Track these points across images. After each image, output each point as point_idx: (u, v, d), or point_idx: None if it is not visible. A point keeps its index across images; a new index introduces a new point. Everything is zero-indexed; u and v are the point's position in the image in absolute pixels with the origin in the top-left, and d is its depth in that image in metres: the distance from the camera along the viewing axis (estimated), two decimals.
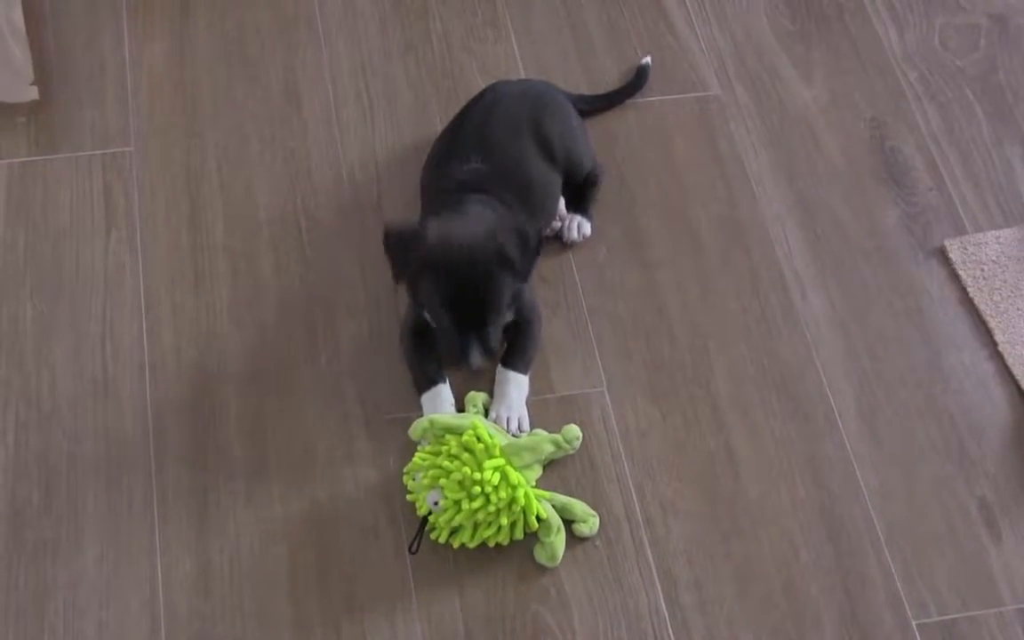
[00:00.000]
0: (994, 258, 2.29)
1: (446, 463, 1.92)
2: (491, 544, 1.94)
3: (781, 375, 2.16)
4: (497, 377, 2.10)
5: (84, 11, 2.56)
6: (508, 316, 2.06)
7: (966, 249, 2.31)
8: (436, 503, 1.92)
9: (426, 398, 2.06)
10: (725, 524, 2.01)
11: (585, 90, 2.46)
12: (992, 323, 2.22)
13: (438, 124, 2.40)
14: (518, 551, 1.96)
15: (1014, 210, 2.37)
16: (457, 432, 1.95)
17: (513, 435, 2.02)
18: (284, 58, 2.52)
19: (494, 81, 2.36)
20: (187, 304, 2.20)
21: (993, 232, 2.33)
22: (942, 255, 2.31)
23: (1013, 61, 2.58)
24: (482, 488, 1.89)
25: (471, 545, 1.94)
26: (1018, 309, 2.24)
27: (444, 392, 2.06)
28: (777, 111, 2.49)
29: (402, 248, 2.00)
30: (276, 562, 1.95)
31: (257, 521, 1.98)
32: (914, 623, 1.94)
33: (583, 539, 1.98)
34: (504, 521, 1.92)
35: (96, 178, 2.34)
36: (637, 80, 2.47)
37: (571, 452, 2.03)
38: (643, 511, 2.02)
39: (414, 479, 1.96)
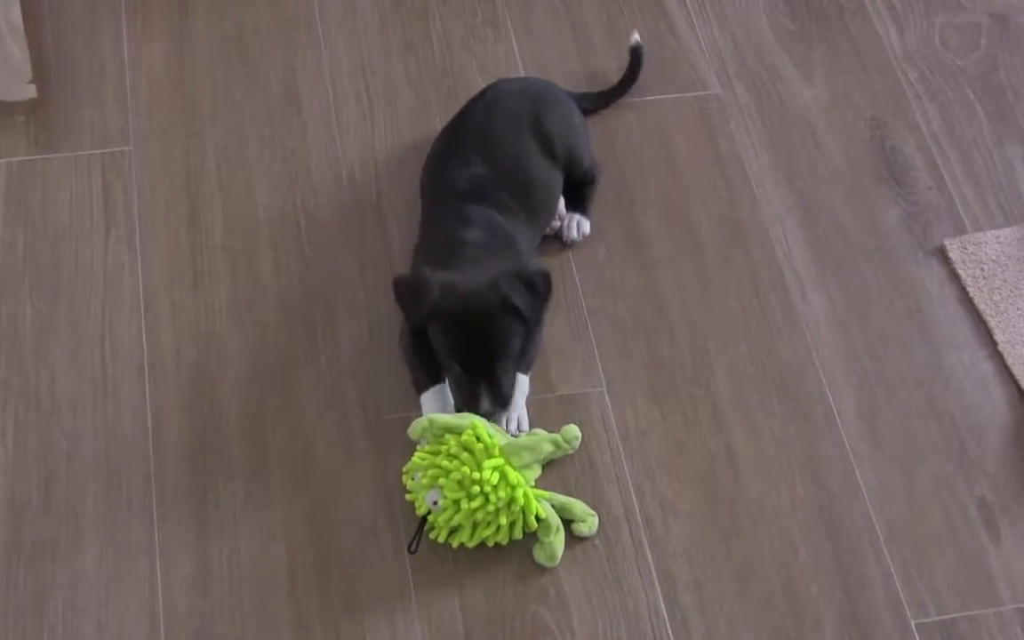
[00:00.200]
0: (994, 258, 2.29)
1: (445, 463, 1.92)
2: (490, 543, 1.94)
3: (781, 375, 2.16)
4: None
5: (83, 10, 2.56)
6: (526, 391, 2.06)
7: (966, 249, 2.30)
8: (435, 503, 1.92)
9: (426, 398, 2.06)
10: (725, 524, 2.01)
11: (585, 90, 2.46)
12: (992, 323, 2.22)
13: (438, 124, 2.40)
14: (517, 551, 1.96)
15: (1014, 209, 2.37)
16: (456, 432, 1.95)
17: (512, 435, 2.02)
18: (284, 58, 2.52)
19: (494, 80, 2.36)
20: (186, 304, 2.20)
21: (993, 232, 2.33)
22: (942, 254, 2.31)
23: (1014, 60, 2.58)
24: (481, 488, 1.89)
25: (470, 544, 1.93)
26: (1018, 309, 2.24)
27: (444, 392, 2.06)
28: (777, 111, 2.49)
29: (411, 297, 2.00)
30: (275, 562, 1.95)
31: (256, 521, 1.98)
32: (913, 623, 1.94)
33: (582, 539, 1.98)
34: (503, 521, 1.91)
35: (95, 177, 2.34)
36: (634, 63, 2.46)
37: (570, 452, 2.03)
38: (642, 511, 2.02)
39: (413, 479, 1.96)
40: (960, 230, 2.34)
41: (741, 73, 2.54)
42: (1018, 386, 2.16)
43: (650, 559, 1.97)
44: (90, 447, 2.05)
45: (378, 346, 2.16)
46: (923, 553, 2.00)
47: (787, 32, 2.61)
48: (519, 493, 1.91)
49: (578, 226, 2.28)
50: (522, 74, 2.49)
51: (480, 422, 1.96)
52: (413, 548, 1.93)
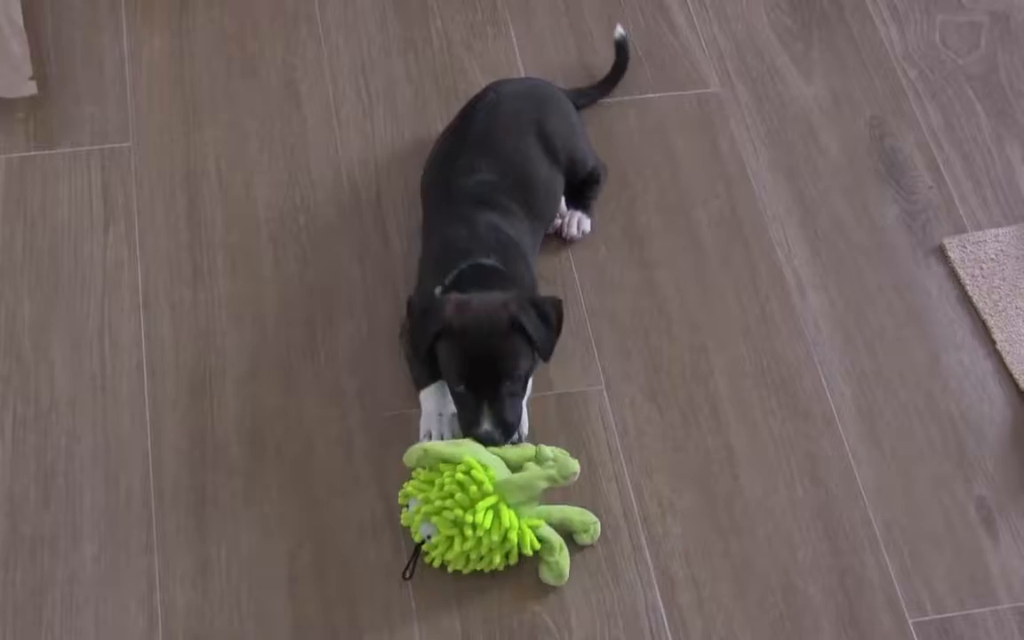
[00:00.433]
0: (993, 257, 2.29)
1: (439, 502, 1.90)
2: (486, 571, 1.93)
3: (780, 374, 2.16)
4: None
5: (83, 6, 2.56)
6: (527, 391, 2.04)
7: (965, 247, 2.30)
8: (429, 537, 1.91)
9: (425, 395, 2.06)
10: (723, 523, 2.01)
11: (584, 86, 2.46)
12: (991, 322, 2.22)
13: (438, 121, 2.40)
14: None
15: (1014, 209, 2.37)
16: (452, 462, 1.93)
17: (512, 442, 2.00)
18: (283, 54, 2.52)
19: (494, 79, 2.35)
20: (185, 300, 2.20)
21: (992, 231, 2.33)
22: (941, 253, 2.31)
23: (1014, 59, 2.58)
24: (474, 530, 1.88)
25: (465, 571, 1.92)
26: (1017, 308, 2.24)
27: (443, 389, 2.05)
28: (777, 109, 2.49)
29: (422, 317, 2.00)
30: (274, 559, 1.95)
31: (255, 518, 1.98)
32: (911, 622, 1.94)
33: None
34: (497, 559, 1.91)
35: (95, 174, 2.34)
36: (621, 57, 2.46)
37: (566, 486, 1.97)
38: (641, 510, 2.02)
39: (408, 506, 1.95)
40: (959, 229, 2.34)
41: (741, 71, 2.54)
42: (1017, 385, 2.16)
43: (648, 558, 1.98)
44: (89, 444, 2.05)
45: (378, 343, 2.16)
46: (921, 552, 2.00)
47: (787, 30, 2.61)
48: (512, 534, 1.89)
49: (579, 224, 2.28)
50: (522, 72, 2.49)
51: (474, 457, 1.92)
52: (408, 575, 1.93)
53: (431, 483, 1.92)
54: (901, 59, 2.57)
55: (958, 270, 2.28)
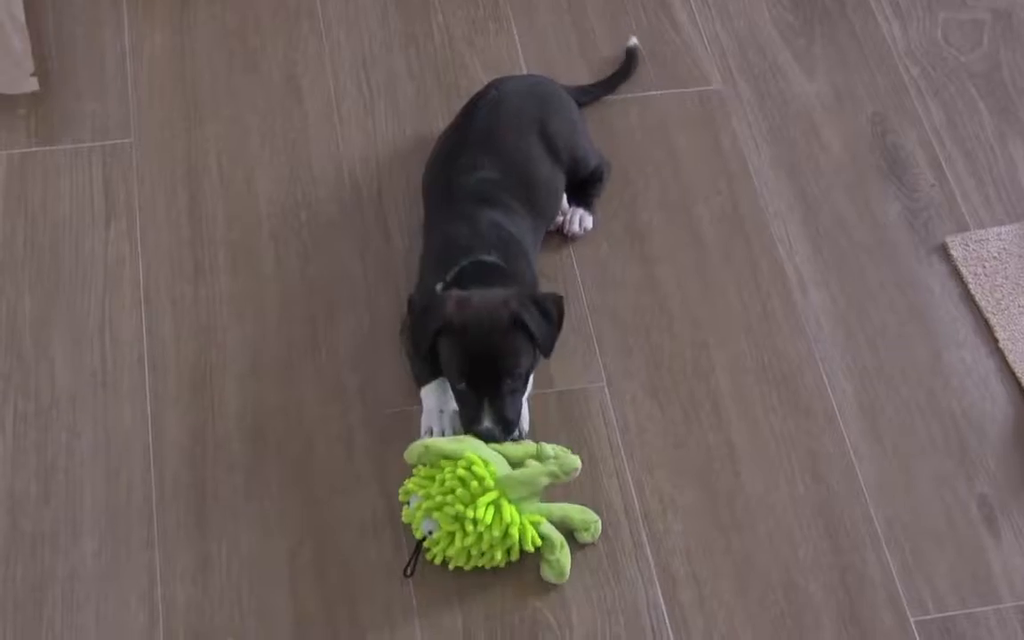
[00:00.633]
0: (996, 255, 2.29)
1: (440, 497, 1.90)
2: (487, 568, 1.92)
3: (781, 371, 2.16)
4: None
5: (84, 2, 2.56)
6: (528, 388, 2.04)
7: (968, 245, 2.30)
8: (431, 532, 1.91)
9: (426, 392, 2.06)
10: (724, 520, 2.01)
11: (586, 83, 2.46)
12: (993, 320, 2.22)
13: (439, 117, 2.39)
14: None
15: (1016, 206, 2.37)
16: (453, 458, 1.92)
17: (513, 439, 2.00)
18: (285, 50, 2.52)
19: (496, 75, 2.35)
20: (187, 296, 2.20)
21: (995, 228, 2.33)
22: (944, 251, 2.31)
23: (1016, 57, 2.58)
24: (475, 525, 1.88)
25: (467, 568, 1.92)
26: (1019, 306, 2.23)
27: (444, 385, 2.05)
28: (779, 106, 2.49)
29: (423, 314, 2.00)
30: (275, 556, 1.95)
31: (256, 515, 1.98)
32: (912, 620, 1.93)
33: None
34: (498, 555, 1.90)
35: (96, 170, 2.34)
36: (628, 63, 2.47)
37: (568, 482, 1.97)
38: (642, 506, 2.01)
39: (409, 503, 1.94)
40: (962, 227, 2.33)
41: (743, 68, 2.53)
42: (1019, 383, 2.16)
43: (649, 555, 1.97)
44: (89, 440, 2.04)
45: (379, 340, 2.16)
46: (923, 550, 2.00)
47: (789, 26, 2.60)
48: (514, 531, 1.89)
49: (580, 221, 2.28)
50: (524, 68, 2.49)
51: (475, 453, 1.92)
52: (409, 572, 1.92)
53: (432, 479, 1.92)
54: (903, 56, 2.57)
55: (960, 268, 2.27)
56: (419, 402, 2.07)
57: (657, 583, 1.95)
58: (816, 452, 2.08)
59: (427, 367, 2.06)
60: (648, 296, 2.23)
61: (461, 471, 1.90)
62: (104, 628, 1.89)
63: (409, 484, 1.94)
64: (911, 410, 2.13)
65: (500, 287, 2.01)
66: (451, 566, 1.92)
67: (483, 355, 1.96)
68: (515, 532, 1.89)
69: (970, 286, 2.25)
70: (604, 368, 2.15)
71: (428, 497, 1.90)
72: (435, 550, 1.91)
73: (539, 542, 1.91)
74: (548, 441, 1.98)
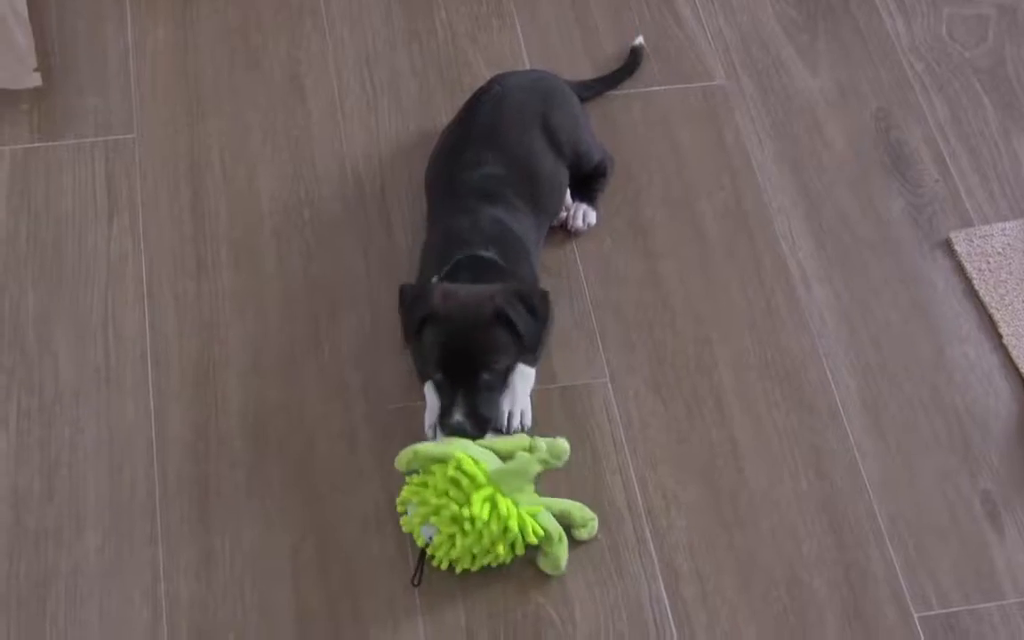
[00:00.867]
0: (1000, 250, 2.29)
1: (434, 500, 1.89)
2: (493, 565, 1.92)
3: (785, 366, 2.16)
4: None
5: None
6: (506, 389, 2.02)
7: (972, 241, 2.30)
8: (431, 538, 1.91)
9: (429, 387, 2.06)
10: (728, 516, 2.01)
11: (589, 79, 2.46)
12: (997, 316, 2.21)
13: (443, 113, 2.39)
14: None
15: (1020, 202, 2.36)
16: (442, 461, 1.92)
17: (515, 429, 2.00)
18: (288, 46, 2.52)
19: (499, 71, 2.35)
20: (189, 292, 2.20)
21: (999, 224, 2.32)
22: (948, 247, 2.30)
23: (1021, 52, 2.57)
24: (473, 524, 1.88)
25: (473, 569, 1.92)
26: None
27: None
28: (782, 101, 2.48)
29: (411, 304, 1.99)
30: (277, 552, 1.95)
31: (258, 511, 1.98)
32: (916, 616, 1.93)
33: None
34: (501, 550, 1.90)
35: (99, 165, 2.34)
36: (632, 61, 2.47)
37: (560, 467, 1.96)
38: (645, 502, 2.01)
39: (407, 512, 1.94)
40: (966, 222, 2.33)
41: (746, 64, 2.53)
42: (1023, 379, 2.15)
43: (652, 551, 1.97)
44: (92, 435, 2.05)
45: (381, 337, 2.16)
46: (926, 546, 1.99)
47: (793, 22, 2.60)
48: (513, 523, 1.89)
49: (584, 216, 2.28)
50: (527, 64, 2.49)
51: (463, 452, 1.91)
52: (416, 581, 1.92)
53: (425, 485, 1.92)
54: (907, 51, 2.56)
55: (964, 264, 2.27)
56: (422, 399, 2.07)
57: (660, 579, 1.95)
58: (819, 448, 2.08)
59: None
60: (651, 292, 2.23)
61: (452, 472, 1.89)
62: (107, 623, 1.89)
63: (404, 493, 1.94)
64: (914, 406, 2.13)
65: (496, 282, 2.01)
66: (458, 569, 1.92)
67: (461, 347, 1.95)
68: (514, 525, 1.89)
69: (974, 282, 2.25)
70: (607, 364, 2.15)
71: (424, 503, 1.90)
72: (439, 555, 1.90)
73: (541, 533, 1.91)
74: (551, 436, 1.97)
